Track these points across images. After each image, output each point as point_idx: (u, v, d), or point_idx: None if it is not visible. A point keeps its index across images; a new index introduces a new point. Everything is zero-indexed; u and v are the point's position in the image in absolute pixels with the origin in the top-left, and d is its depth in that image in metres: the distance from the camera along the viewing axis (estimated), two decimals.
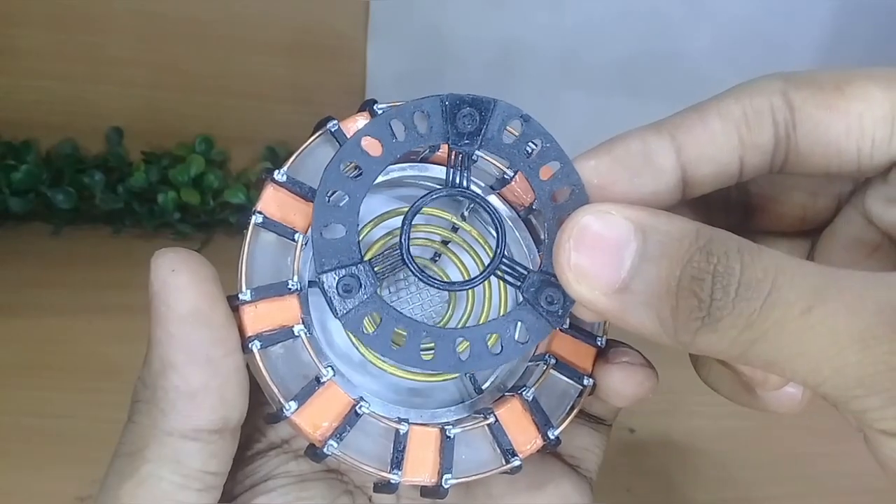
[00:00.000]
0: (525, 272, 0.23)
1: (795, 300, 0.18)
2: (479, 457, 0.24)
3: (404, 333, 0.23)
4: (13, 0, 0.61)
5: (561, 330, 0.25)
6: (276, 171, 0.24)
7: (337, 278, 0.22)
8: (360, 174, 0.22)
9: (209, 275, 0.23)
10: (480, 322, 0.26)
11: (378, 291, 0.23)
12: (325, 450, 0.23)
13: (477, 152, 0.23)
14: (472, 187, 0.25)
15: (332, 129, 0.24)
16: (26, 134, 0.65)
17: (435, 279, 0.23)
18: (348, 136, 0.24)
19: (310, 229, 0.23)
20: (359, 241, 0.22)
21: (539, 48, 0.65)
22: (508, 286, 0.25)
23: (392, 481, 0.23)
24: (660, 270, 0.19)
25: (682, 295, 0.19)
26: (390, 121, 0.23)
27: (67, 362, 0.53)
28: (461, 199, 0.24)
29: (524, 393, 0.25)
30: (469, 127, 0.23)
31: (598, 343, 0.26)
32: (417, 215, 0.24)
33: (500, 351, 0.23)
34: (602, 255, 0.20)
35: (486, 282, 0.25)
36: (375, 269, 0.22)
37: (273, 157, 0.66)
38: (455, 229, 0.26)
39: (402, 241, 0.22)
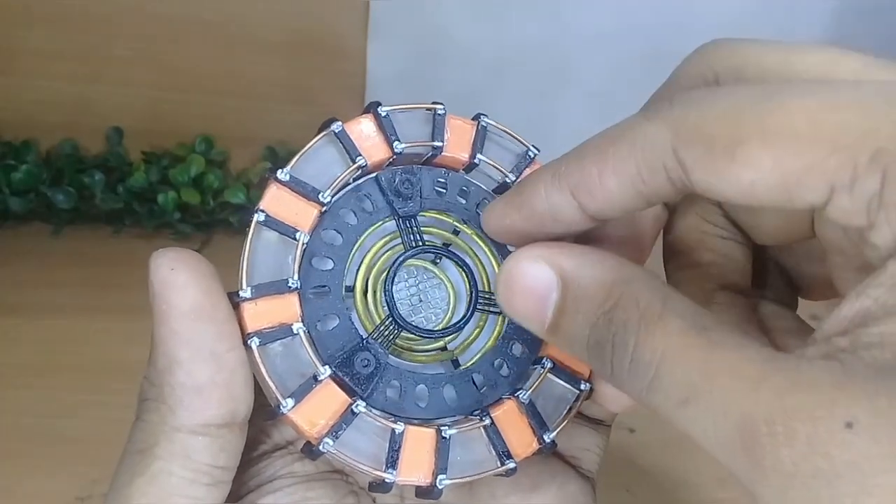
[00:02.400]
0: None
1: (673, 391, 0.18)
2: (475, 458, 0.25)
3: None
4: (14, 0, 0.61)
5: None
6: (280, 171, 0.24)
7: (354, 360, 0.24)
8: (334, 266, 0.25)
9: (208, 272, 0.23)
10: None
11: (388, 359, 0.25)
12: (320, 447, 0.23)
13: (422, 212, 0.26)
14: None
15: (336, 131, 0.25)
16: (26, 134, 0.65)
17: (430, 331, 0.25)
18: (352, 138, 0.25)
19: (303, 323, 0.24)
20: (352, 323, 0.25)
21: (538, 49, 0.65)
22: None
23: (386, 480, 0.23)
24: (573, 326, 0.21)
25: (591, 353, 0.20)
26: (339, 211, 0.25)
27: (68, 362, 0.53)
28: (430, 252, 0.26)
29: (520, 396, 0.25)
30: (408, 192, 0.26)
31: None
32: (420, 223, 0.26)
33: (509, 372, 0.26)
34: (529, 302, 0.21)
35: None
36: (378, 341, 0.25)
37: (273, 157, 0.66)
38: (456, 232, 0.26)
39: (393, 312, 0.25)
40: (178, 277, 0.22)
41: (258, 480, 0.26)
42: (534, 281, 0.21)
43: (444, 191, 0.26)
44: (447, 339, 0.26)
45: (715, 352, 0.18)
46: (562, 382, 0.26)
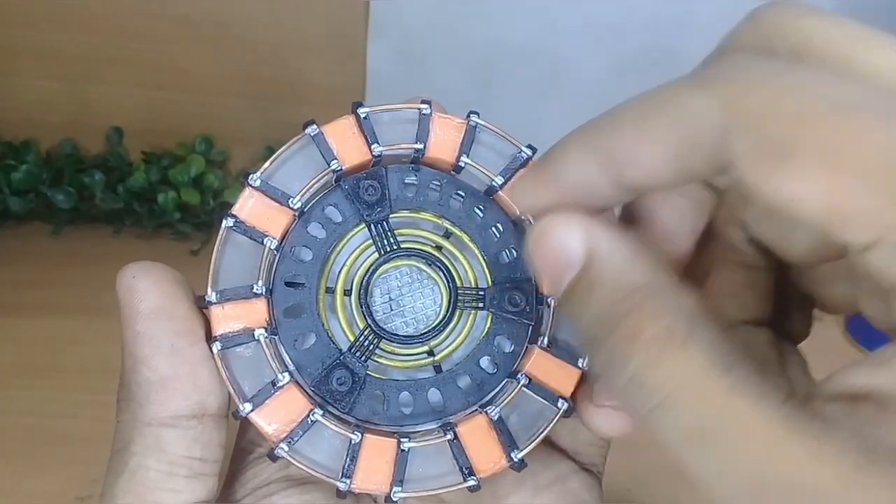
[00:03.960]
0: (482, 292, 0.25)
1: (683, 427, 0.17)
2: (437, 472, 0.24)
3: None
4: (13, 0, 0.61)
5: (542, 348, 0.25)
6: (251, 176, 0.24)
7: (330, 378, 0.24)
8: (304, 283, 0.25)
9: (170, 278, 0.24)
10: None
11: (368, 372, 0.25)
12: (275, 452, 0.23)
13: (390, 215, 0.25)
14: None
15: (312, 134, 0.25)
16: (26, 134, 0.65)
17: (409, 336, 0.25)
18: (329, 141, 0.25)
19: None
20: (330, 339, 0.25)
21: (539, 49, 0.65)
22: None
23: (340, 488, 0.24)
24: (580, 308, 0.19)
25: (586, 345, 0.19)
26: (307, 226, 0.25)
27: (67, 362, 0.53)
28: (403, 256, 0.26)
29: (490, 411, 0.24)
30: (374, 197, 0.25)
31: (581, 365, 0.25)
32: (402, 224, 0.26)
33: (497, 369, 0.25)
34: (550, 266, 0.20)
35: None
36: (357, 354, 0.25)
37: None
38: (448, 235, 0.26)
39: (369, 322, 0.25)
40: (139, 283, 0.23)
41: (254, 484, 0.26)
42: (561, 247, 0.20)
43: (417, 190, 0.26)
44: (432, 342, 0.26)
45: (734, 399, 0.17)
46: (539, 398, 0.25)
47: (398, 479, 0.24)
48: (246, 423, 0.25)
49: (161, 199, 0.63)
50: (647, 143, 0.18)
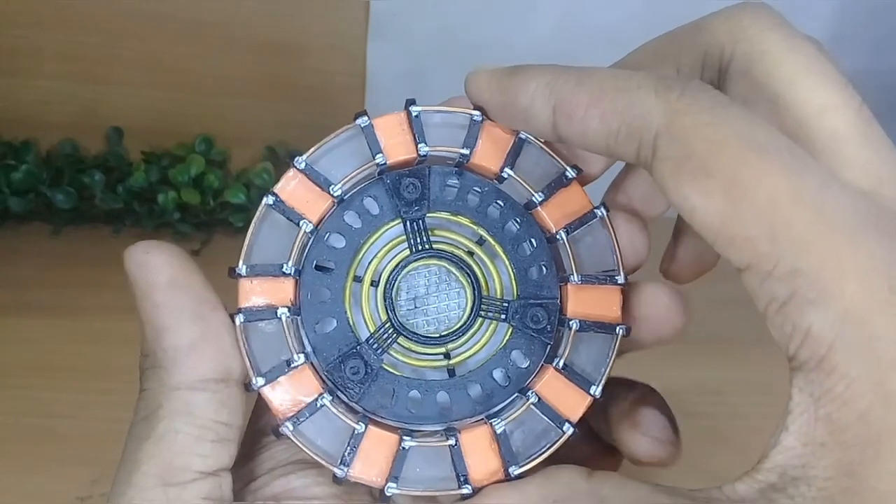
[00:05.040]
0: (506, 304, 0.26)
1: None
2: (434, 474, 0.24)
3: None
4: (14, 0, 0.61)
5: (556, 369, 0.25)
6: (297, 158, 0.25)
7: (345, 366, 0.25)
8: (333, 269, 0.25)
9: (180, 253, 0.25)
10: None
11: (382, 365, 0.25)
12: (280, 429, 0.24)
13: (428, 214, 0.26)
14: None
15: (363, 125, 0.25)
16: (26, 134, 0.65)
17: (428, 337, 0.26)
18: (377, 135, 0.25)
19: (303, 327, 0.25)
20: (350, 327, 0.25)
21: (541, 49, 0.65)
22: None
23: (337, 475, 0.24)
24: None
25: None
26: (344, 214, 0.25)
27: (67, 362, 0.53)
28: (434, 257, 0.26)
29: (495, 424, 0.25)
30: (414, 195, 0.25)
31: (593, 392, 0.25)
32: (443, 226, 0.26)
33: (509, 382, 0.25)
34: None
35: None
36: (374, 346, 0.25)
37: (273, 157, 0.66)
38: (481, 242, 0.26)
39: (391, 317, 0.25)
40: (153, 259, 0.24)
41: (271, 464, 0.27)
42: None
43: (457, 193, 0.26)
44: (449, 345, 0.26)
45: None
46: (545, 419, 0.25)
47: (394, 476, 0.24)
48: (261, 405, 0.25)
49: (161, 199, 0.63)
50: (595, 113, 0.21)
